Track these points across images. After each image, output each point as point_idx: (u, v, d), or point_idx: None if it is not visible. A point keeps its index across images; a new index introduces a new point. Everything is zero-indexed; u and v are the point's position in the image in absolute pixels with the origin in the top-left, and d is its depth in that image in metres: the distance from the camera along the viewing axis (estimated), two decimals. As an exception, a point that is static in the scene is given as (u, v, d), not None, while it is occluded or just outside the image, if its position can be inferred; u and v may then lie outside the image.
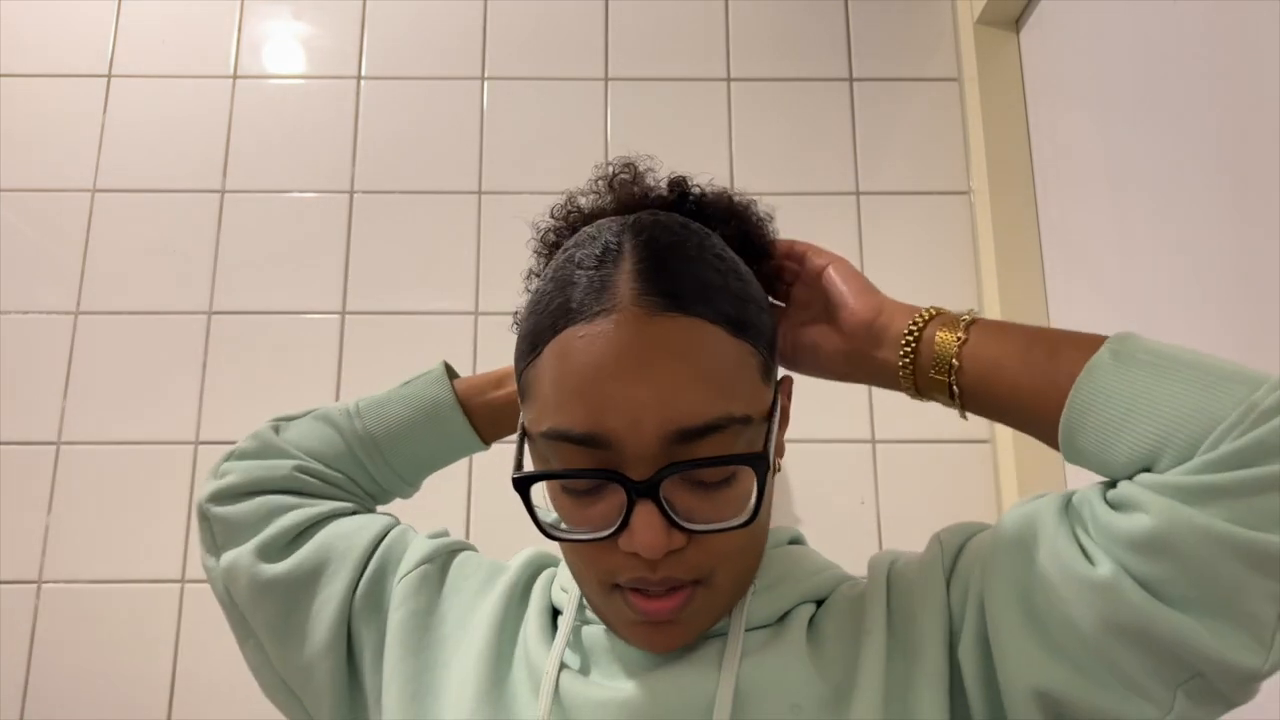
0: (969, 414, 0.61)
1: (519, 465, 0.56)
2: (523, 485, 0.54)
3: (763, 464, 0.53)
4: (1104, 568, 0.49)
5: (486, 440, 0.78)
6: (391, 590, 0.68)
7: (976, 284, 1.42)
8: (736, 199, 0.67)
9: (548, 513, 0.57)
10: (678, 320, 0.52)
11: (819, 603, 0.63)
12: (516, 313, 0.69)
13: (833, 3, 1.53)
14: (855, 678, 0.56)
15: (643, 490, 0.51)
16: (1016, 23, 1.44)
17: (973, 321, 0.60)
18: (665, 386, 0.51)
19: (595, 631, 0.62)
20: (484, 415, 0.77)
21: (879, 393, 1.38)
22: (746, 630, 0.60)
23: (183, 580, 1.31)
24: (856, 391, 1.38)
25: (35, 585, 1.31)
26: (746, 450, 0.54)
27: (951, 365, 0.59)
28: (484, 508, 1.33)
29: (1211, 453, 0.48)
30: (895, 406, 1.38)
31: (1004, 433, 1.32)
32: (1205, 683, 0.49)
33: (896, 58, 1.51)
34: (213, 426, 1.36)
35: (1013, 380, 0.57)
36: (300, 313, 1.41)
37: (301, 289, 1.41)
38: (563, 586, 0.66)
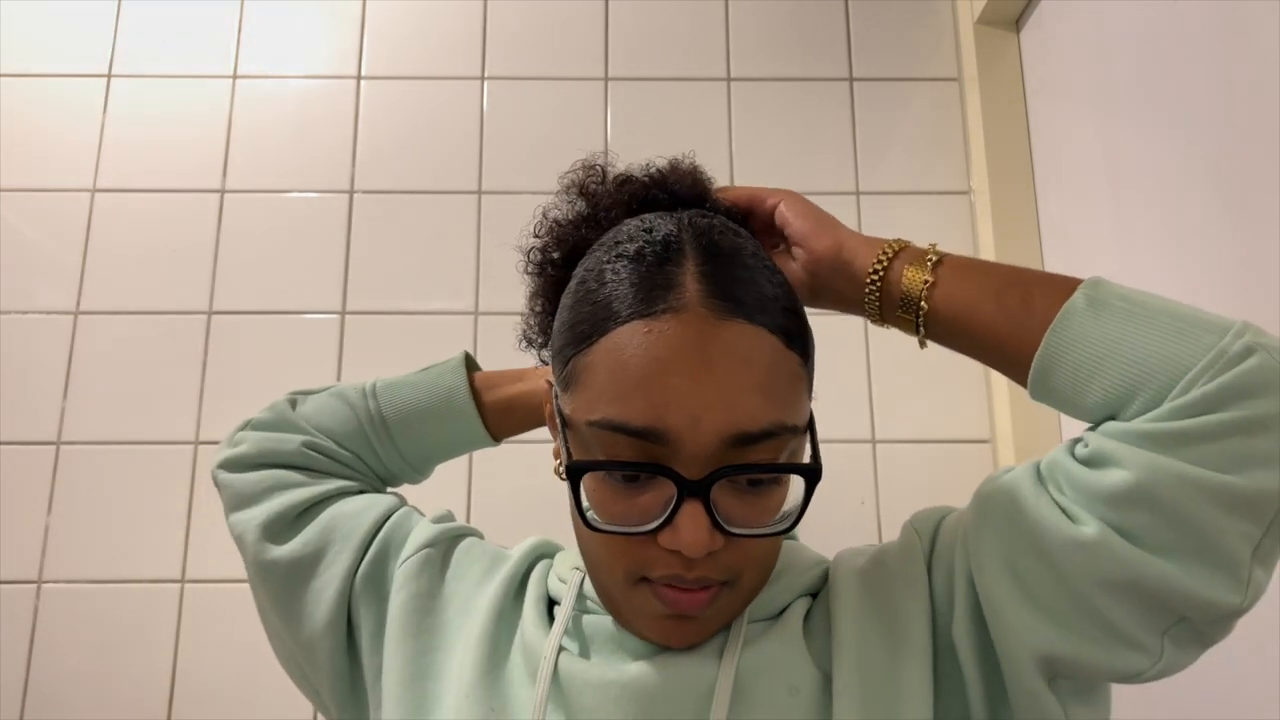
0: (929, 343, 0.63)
1: (569, 453, 0.56)
2: (575, 474, 0.54)
3: (816, 476, 0.54)
4: (1089, 526, 0.51)
5: (496, 436, 0.79)
6: (393, 573, 0.69)
7: (976, 284, 1.42)
8: (684, 167, 0.66)
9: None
10: (743, 327, 0.53)
11: (813, 596, 0.64)
12: (527, 322, 0.68)
13: (833, 3, 1.53)
14: (836, 661, 0.57)
15: (695, 489, 0.52)
16: (1016, 23, 1.44)
17: (939, 260, 0.61)
18: (729, 390, 0.52)
19: (595, 620, 0.62)
20: (496, 409, 0.78)
21: (879, 392, 1.38)
22: (748, 623, 0.61)
23: (183, 580, 1.31)
24: (856, 391, 1.38)
25: (35, 585, 1.31)
26: (790, 458, 0.56)
27: (920, 308, 0.60)
28: (484, 494, 1.33)
29: (1181, 398, 0.50)
30: (895, 406, 1.38)
31: (1004, 432, 1.32)
32: (1189, 626, 0.52)
33: (896, 58, 1.51)
34: (213, 426, 1.36)
35: (984, 322, 0.58)
36: (300, 313, 1.41)
37: (301, 289, 1.41)
38: (560, 577, 0.66)
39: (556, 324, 0.60)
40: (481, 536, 0.74)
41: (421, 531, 0.71)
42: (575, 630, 0.62)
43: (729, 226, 0.60)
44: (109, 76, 1.49)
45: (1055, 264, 1.33)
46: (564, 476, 0.58)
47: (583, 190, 0.66)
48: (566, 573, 0.66)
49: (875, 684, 0.56)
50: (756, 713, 0.56)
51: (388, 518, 0.72)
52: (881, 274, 0.62)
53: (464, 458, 1.35)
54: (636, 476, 0.54)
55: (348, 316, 1.40)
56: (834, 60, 1.51)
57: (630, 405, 0.52)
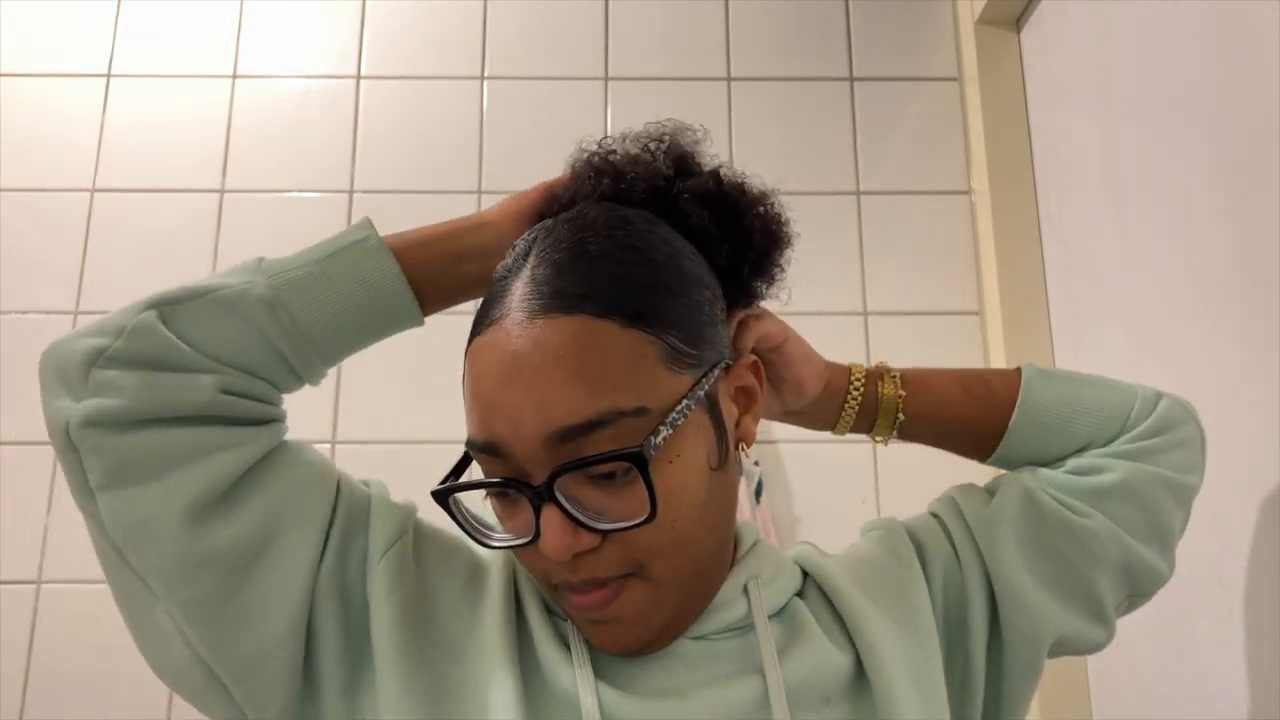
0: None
1: (446, 476, 0.57)
2: (441, 497, 0.55)
3: (640, 459, 0.50)
4: (1094, 519, 0.65)
5: (427, 313, 0.65)
6: (366, 567, 0.59)
7: (977, 284, 1.42)
8: (725, 179, 0.67)
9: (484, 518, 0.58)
10: (556, 320, 0.52)
11: (799, 593, 0.65)
12: None
13: (833, 2, 1.53)
14: (872, 661, 0.59)
15: (540, 494, 0.51)
16: (1017, 22, 1.44)
17: (899, 375, 0.71)
18: (539, 389, 0.51)
19: None
20: (437, 292, 0.64)
21: (879, 393, 1.38)
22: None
23: (183, 580, 1.31)
24: (857, 391, 1.38)
25: (35, 585, 1.31)
26: (658, 441, 0.51)
27: (897, 419, 0.70)
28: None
29: (1137, 428, 0.68)
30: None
31: (1004, 433, 1.32)
32: (1131, 602, 0.69)
33: (897, 57, 1.51)
34: (213, 426, 1.36)
35: (957, 413, 0.71)
36: (300, 313, 1.41)
37: (301, 289, 1.41)
38: None
39: None
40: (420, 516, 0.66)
41: (385, 518, 0.61)
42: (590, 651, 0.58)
43: (598, 215, 0.58)
44: (109, 76, 1.49)
45: (1055, 264, 1.33)
46: None
47: (639, 158, 0.66)
48: None
49: (916, 679, 0.59)
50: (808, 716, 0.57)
51: (337, 490, 0.61)
52: (859, 396, 0.70)
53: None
54: (505, 493, 0.54)
55: (348, 316, 1.40)
56: (834, 60, 1.51)
57: (472, 424, 0.54)
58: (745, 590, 0.61)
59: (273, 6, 1.52)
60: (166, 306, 0.57)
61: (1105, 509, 0.65)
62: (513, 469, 0.53)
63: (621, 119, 1.48)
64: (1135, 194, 1.10)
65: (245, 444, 0.57)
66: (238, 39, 1.51)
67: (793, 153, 1.46)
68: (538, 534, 0.52)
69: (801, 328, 0.69)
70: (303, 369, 0.61)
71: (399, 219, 1.44)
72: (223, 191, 1.45)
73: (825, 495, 1.35)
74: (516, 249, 0.59)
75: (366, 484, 0.64)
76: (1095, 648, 0.69)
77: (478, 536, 0.56)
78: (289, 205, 1.45)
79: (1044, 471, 0.69)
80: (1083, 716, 1.19)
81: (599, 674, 0.57)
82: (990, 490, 0.70)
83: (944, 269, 1.42)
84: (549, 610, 0.61)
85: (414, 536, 0.63)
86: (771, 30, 1.52)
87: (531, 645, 0.59)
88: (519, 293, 0.54)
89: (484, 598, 0.61)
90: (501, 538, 0.56)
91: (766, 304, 0.68)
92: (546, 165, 1.52)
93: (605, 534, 0.52)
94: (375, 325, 0.63)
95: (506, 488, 0.53)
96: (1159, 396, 0.70)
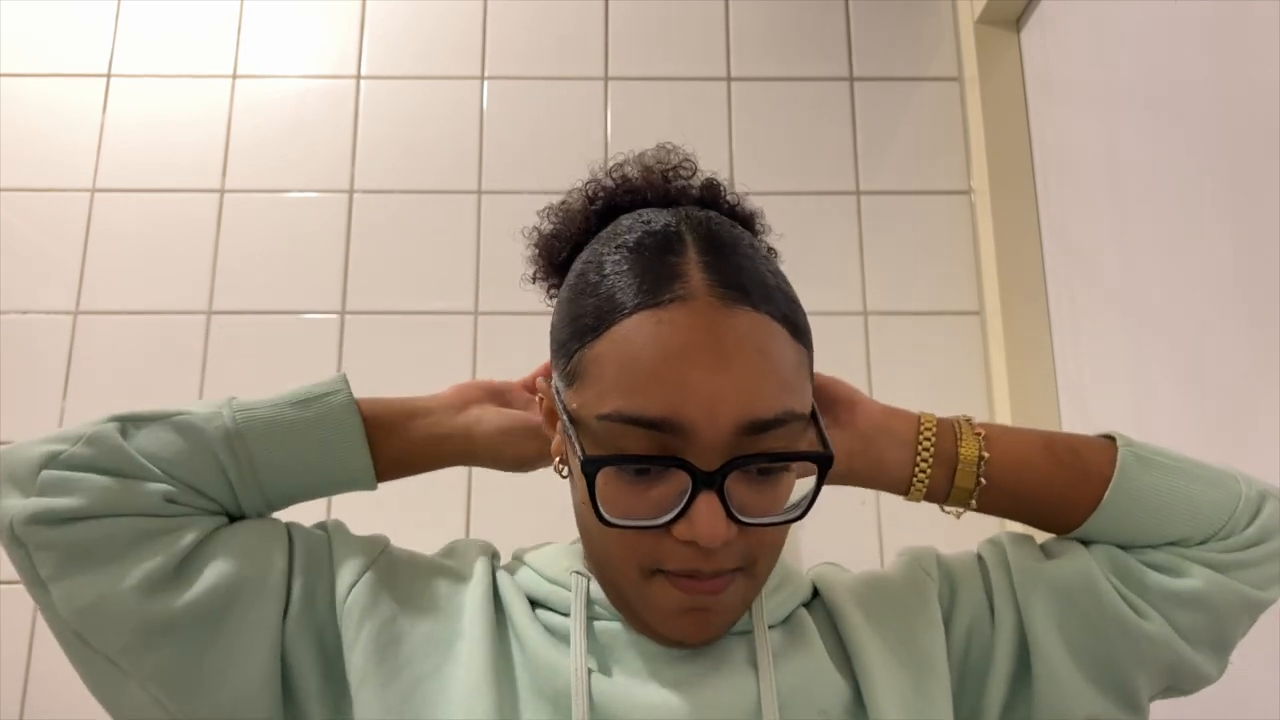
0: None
1: (581, 449, 0.54)
2: (591, 470, 0.52)
3: (829, 461, 0.55)
4: (1153, 622, 0.62)
5: (381, 479, 0.67)
6: (337, 606, 0.61)
7: (976, 284, 1.41)
8: (740, 208, 0.66)
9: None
10: (751, 315, 0.53)
11: (806, 605, 0.65)
12: (543, 280, 0.67)
13: (833, 2, 1.53)
14: (868, 685, 0.59)
15: (710, 480, 0.51)
16: (1017, 22, 1.44)
17: (983, 431, 0.66)
18: (744, 378, 0.52)
19: (606, 627, 0.60)
20: (391, 460, 0.66)
21: (879, 390, 1.38)
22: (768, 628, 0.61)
23: (182, 580, 1.30)
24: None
25: (35, 585, 1.31)
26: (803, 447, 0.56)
27: (979, 483, 0.64)
28: (484, 495, 1.33)
29: (1233, 537, 0.64)
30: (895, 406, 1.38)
31: (1004, 433, 1.31)
32: (1167, 693, 0.66)
33: (897, 57, 1.51)
34: (213, 426, 1.36)
35: (1044, 482, 0.65)
36: (300, 313, 1.41)
37: (301, 289, 1.41)
38: (552, 578, 0.63)
39: (556, 318, 0.60)
40: (391, 544, 0.67)
41: (349, 551, 0.63)
42: (590, 640, 0.60)
43: (724, 218, 0.61)
44: (109, 76, 1.49)
45: (1055, 263, 1.33)
46: (564, 474, 0.58)
47: (663, 176, 0.64)
48: (560, 575, 0.63)
49: (909, 711, 0.58)
50: None
51: (292, 545, 0.62)
52: (932, 451, 0.66)
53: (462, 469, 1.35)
54: (648, 470, 0.53)
55: (347, 316, 1.40)
56: (834, 60, 1.51)
57: (645, 397, 0.52)
58: None
59: (273, 6, 1.52)
60: (129, 422, 0.60)
61: (1170, 615, 0.62)
62: (673, 448, 0.52)
63: (621, 119, 1.48)
64: (1135, 194, 1.10)
65: (188, 528, 0.59)
66: (238, 39, 1.51)
67: (793, 153, 1.46)
68: (680, 516, 0.52)
69: (801, 328, 0.69)
70: (242, 494, 0.63)
71: (399, 219, 1.46)
72: (223, 191, 1.45)
73: (825, 496, 1.34)
74: (655, 225, 0.58)
75: (322, 526, 0.66)
76: None
77: (603, 514, 0.53)
78: (289, 205, 1.45)
79: (1118, 554, 0.65)
80: (1083, 716, 1.19)
81: (596, 665, 0.58)
82: (1047, 550, 0.67)
83: (944, 269, 1.42)
84: (535, 605, 0.62)
85: (385, 565, 0.63)
86: (771, 30, 1.52)
87: (514, 647, 0.60)
88: (698, 275, 0.54)
89: (458, 605, 0.62)
90: (628, 518, 0.53)
91: None
92: (546, 165, 1.52)
93: (747, 527, 0.53)
94: (326, 471, 0.65)
95: (676, 466, 0.52)
96: (1263, 498, 0.65)
